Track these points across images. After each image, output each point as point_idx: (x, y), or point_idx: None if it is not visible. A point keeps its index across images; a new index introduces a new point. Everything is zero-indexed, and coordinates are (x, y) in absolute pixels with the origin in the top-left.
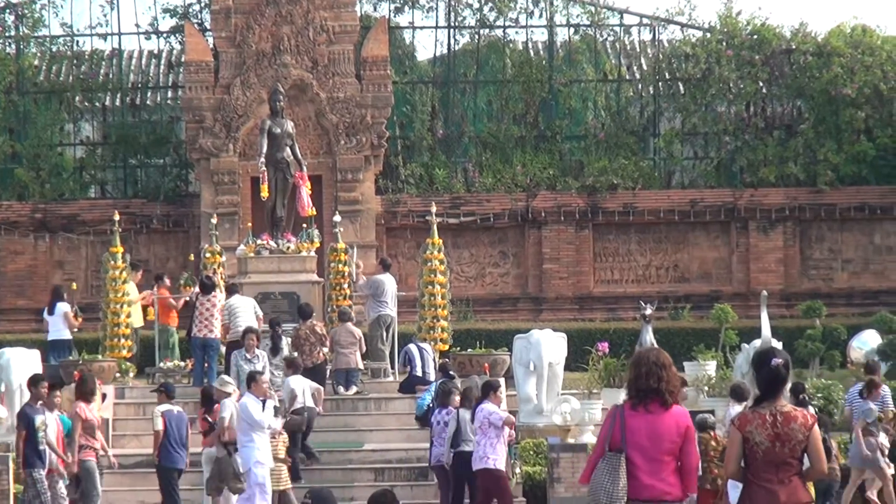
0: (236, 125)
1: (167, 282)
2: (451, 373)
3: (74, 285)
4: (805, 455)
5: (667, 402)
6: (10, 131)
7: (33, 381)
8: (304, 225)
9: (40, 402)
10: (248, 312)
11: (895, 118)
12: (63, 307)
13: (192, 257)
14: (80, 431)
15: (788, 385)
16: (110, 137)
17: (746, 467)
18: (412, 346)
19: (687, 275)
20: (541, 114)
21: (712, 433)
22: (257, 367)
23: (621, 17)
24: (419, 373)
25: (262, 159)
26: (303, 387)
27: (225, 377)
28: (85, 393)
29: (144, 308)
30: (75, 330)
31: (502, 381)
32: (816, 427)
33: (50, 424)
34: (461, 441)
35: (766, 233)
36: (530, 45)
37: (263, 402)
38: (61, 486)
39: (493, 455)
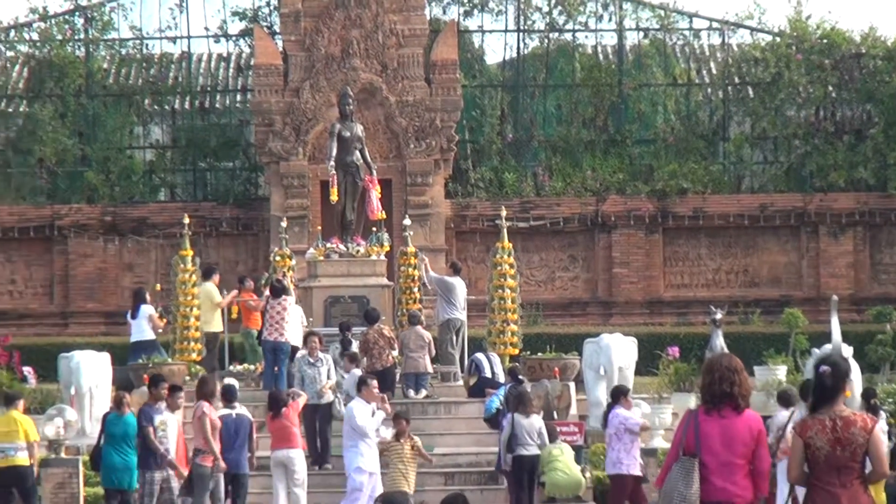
0: (306, 129)
1: (250, 284)
2: (521, 377)
3: (158, 286)
4: (867, 458)
5: (739, 406)
6: (79, 134)
7: (153, 382)
8: (374, 228)
9: (160, 402)
10: (296, 319)
11: None
12: (147, 310)
13: (272, 257)
14: (212, 434)
15: (859, 390)
16: (180, 140)
17: (809, 472)
18: (479, 354)
19: (757, 279)
20: (610, 118)
21: None
22: (321, 370)
23: (690, 21)
24: (488, 374)
25: (332, 163)
26: None
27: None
28: (206, 394)
29: (225, 310)
30: (159, 331)
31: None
32: (877, 430)
33: (171, 425)
34: (516, 445)
35: (836, 237)
36: (599, 49)
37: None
38: (175, 489)
39: (627, 460)
